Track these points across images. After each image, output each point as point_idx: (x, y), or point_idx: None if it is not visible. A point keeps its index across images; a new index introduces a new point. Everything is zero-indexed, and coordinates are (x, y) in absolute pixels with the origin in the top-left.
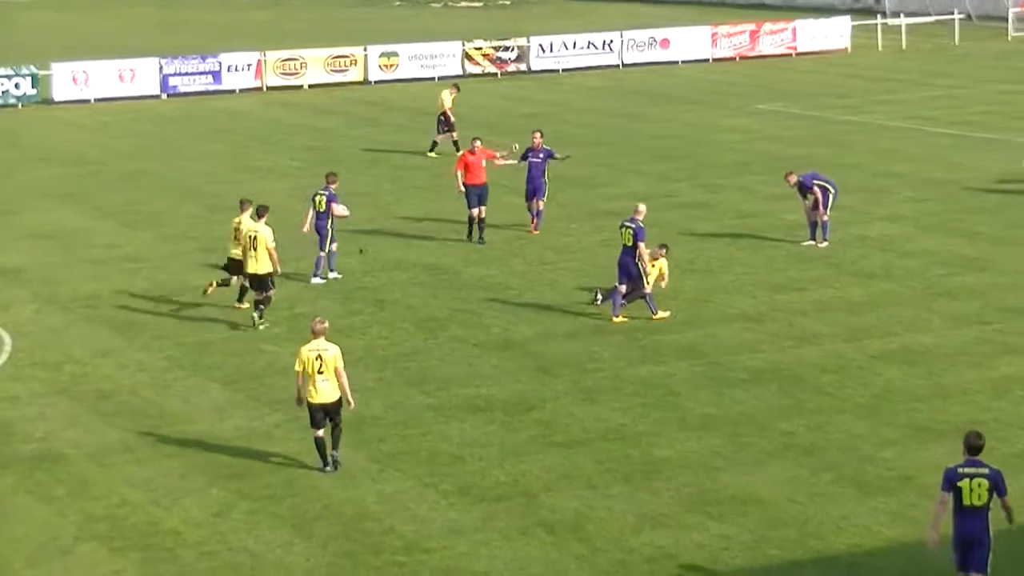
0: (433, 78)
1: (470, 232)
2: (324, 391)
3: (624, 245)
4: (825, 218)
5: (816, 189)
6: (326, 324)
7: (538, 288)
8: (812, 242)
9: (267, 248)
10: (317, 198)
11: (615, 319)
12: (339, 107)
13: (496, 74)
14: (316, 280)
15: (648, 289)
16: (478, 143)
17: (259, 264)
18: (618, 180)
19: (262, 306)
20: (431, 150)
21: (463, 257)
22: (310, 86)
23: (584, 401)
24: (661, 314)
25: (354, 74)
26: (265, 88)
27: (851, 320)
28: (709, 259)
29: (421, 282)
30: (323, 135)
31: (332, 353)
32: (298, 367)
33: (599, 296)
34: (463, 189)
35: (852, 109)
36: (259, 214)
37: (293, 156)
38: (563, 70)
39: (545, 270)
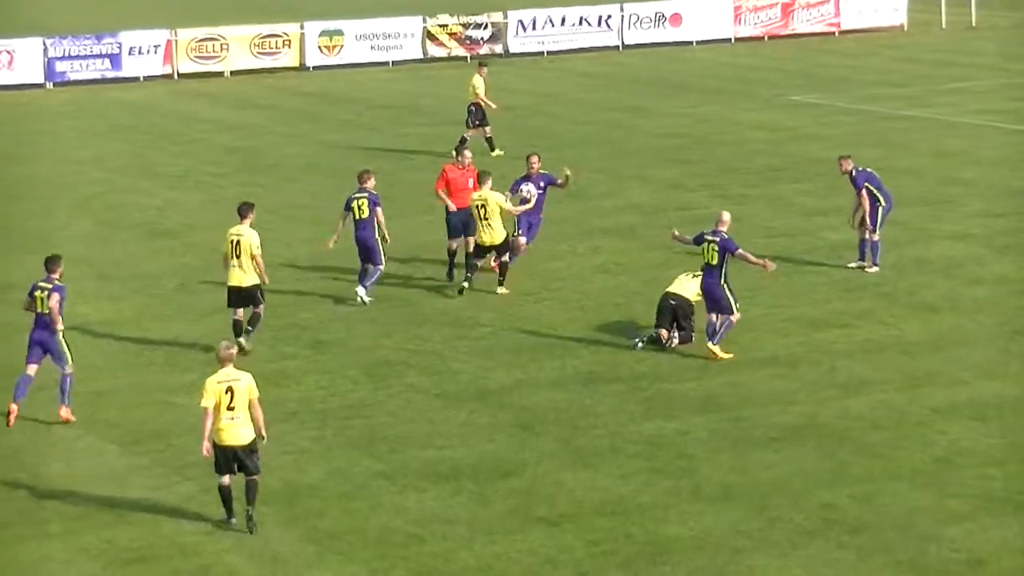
0: (387, 63)
1: (450, 271)
2: (234, 431)
3: (707, 264)
4: (875, 238)
5: (864, 194)
6: (234, 350)
7: (518, 324)
8: (861, 263)
9: (252, 255)
10: (356, 203)
11: (714, 350)
12: (269, 99)
13: (465, 58)
14: (364, 293)
15: (735, 317)
16: (468, 154)
17: (244, 275)
18: (618, 189)
19: (251, 328)
20: (492, 149)
21: (425, 285)
22: (232, 73)
23: (574, 465)
24: (721, 354)
25: (287, 58)
26: (176, 75)
27: (908, 364)
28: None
29: (371, 317)
30: (249, 134)
31: (245, 384)
32: (206, 402)
33: (643, 340)
34: (447, 212)
35: (909, 101)
36: (242, 214)
37: (211, 160)
38: (548, 53)
39: (527, 302)
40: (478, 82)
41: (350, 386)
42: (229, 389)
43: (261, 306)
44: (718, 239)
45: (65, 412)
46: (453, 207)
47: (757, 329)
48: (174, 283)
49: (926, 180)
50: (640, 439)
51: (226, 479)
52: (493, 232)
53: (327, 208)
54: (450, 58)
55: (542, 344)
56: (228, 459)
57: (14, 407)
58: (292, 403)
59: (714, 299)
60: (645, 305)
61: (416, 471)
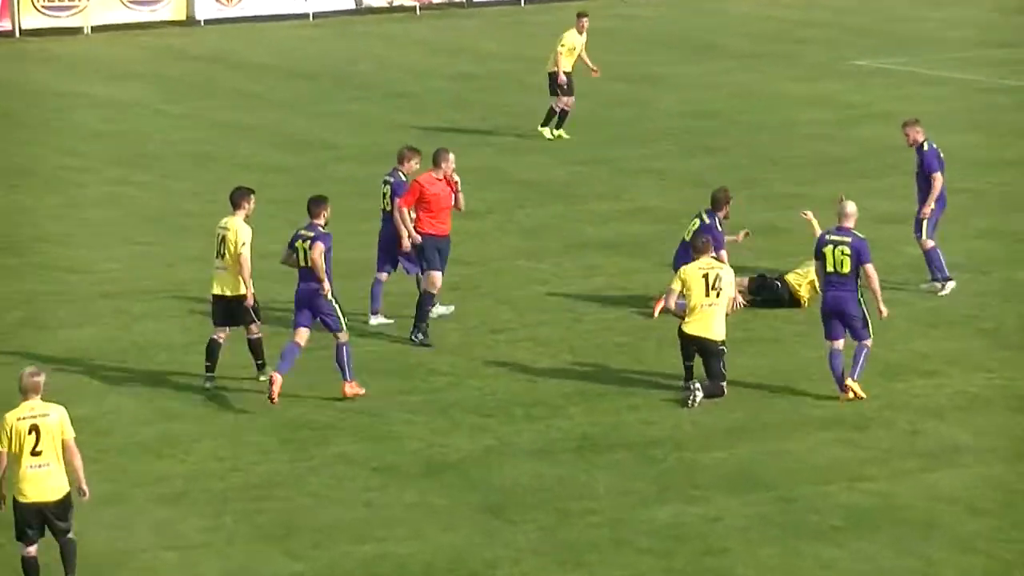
0: (306, 15)
1: (418, 324)
2: (40, 483)
3: (834, 274)
4: (929, 244)
5: (940, 179)
6: (40, 377)
7: (486, 373)
8: (935, 284)
9: (236, 253)
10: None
11: (854, 388)
12: (145, 64)
13: (413, 8)
14: (380, 320)
15: (870, 342)
16: (451, 158)
17: (230, 281)
18: (621, 187)
19: (260, 362)
20: (558, 126)
21: (362, 320)
22: (95, 29)
23: (563, 565)
24: (855, 389)
25: (170, 8)
26: (18, 32)
27: (1019, 426)
28: (778, 321)
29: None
30: (118, 112)
31: (54, 420)
32: (2, 446)
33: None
34: (410, 243)
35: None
36: (234, 203)
37: (67, 149)
38: (528, 1)
39: (497, 342)
40: (574, 39)
41: (258, 456)
42: (34, 428)
43: (255, 325)
44: (851, 240)
45: (351, 388)
46: (418, 230)
47: (812, 377)
48: (15, 317)
49: None
50: (652, 528)
51: (31, 549)
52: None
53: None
54: (391, 8)
55: (519, 399)
56: (34, 521)
57: (277, 377)
58: (178, 480)
59: (847, 317)
60: (658, 344)
61: (349, 573)
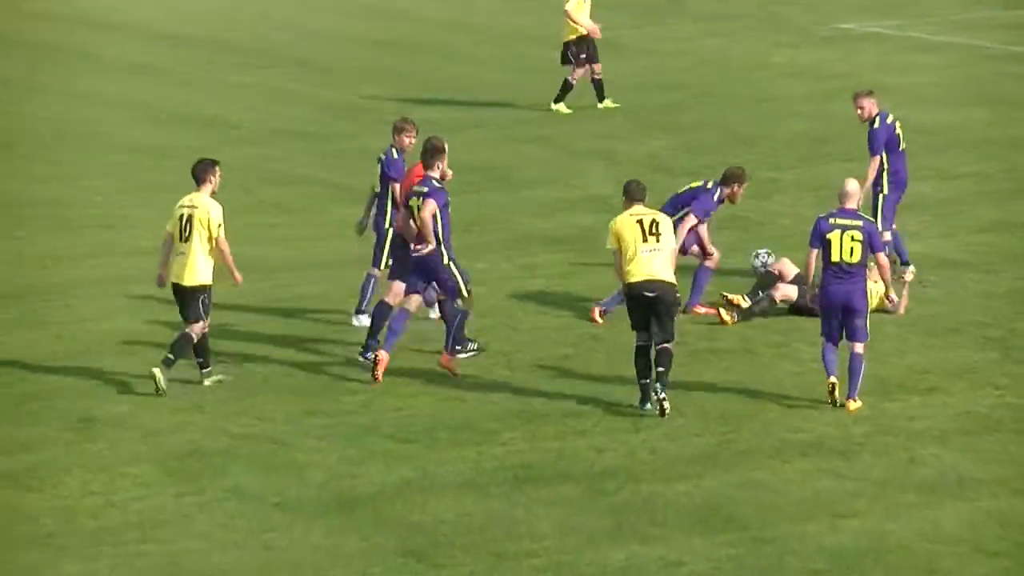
0: None
1: (371, 343)
2: None
3: (840, 265)
4: (886, 236)
5: (874, 161)
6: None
7: (406, 392)
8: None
9: (214, 237)
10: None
11: (852, 406)
12: None
13: None
14: (365, 321)
15: (864, 347)
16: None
17: (192, 267)
18: (568, 171)
19: (200, 360)
20: (599, 97)
21: (256, 332)
22: None
23: None
24: (854, 407)
25: None
26: None
27: None
28: (750, 329)
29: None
30: None
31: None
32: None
33: (664, 403)
34: (389, 246)
35: None
36: (198, 177)
37: None
38: None
39: (420, 356)
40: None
41: (139, 490)
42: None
43: (199, 324)
44: (862, 223)
45: (447, 360)
46: (398, 232)
47: (789, 396)
48: None
49: None
50: (604, 574)
51: None
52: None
53: (78, 207)
54: None
55: (444, 422)
56: None
57: (384, 355)
58: (45, 518)
59: (853, 314)
60: (609, 357)
61: None
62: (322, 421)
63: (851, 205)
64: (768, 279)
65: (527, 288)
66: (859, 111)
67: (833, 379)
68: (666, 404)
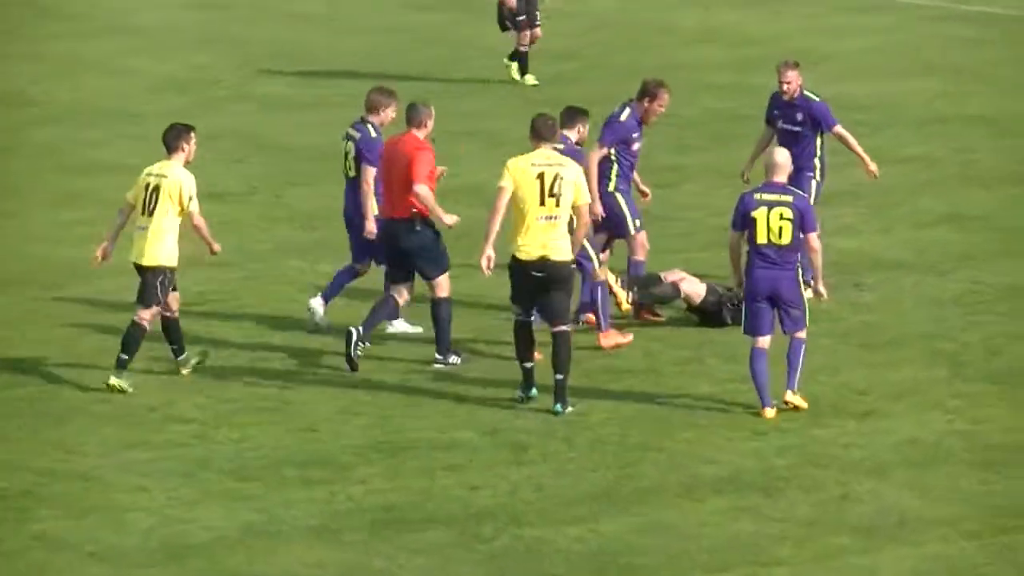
0: None
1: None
2: None
3: (767, 246)
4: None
5: (839, 133)
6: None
7: (244, 418)
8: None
9: (185, 212)
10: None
11: (795, 401)
12: None
13: None
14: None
15: (805, 334)
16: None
17: (151, 244)
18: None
19: (174, 344)
20: (521, 72)
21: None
22: None
23: None
24: (797, 401)
25: None
26: None
27: (995, 486)
28: (655, 344)
29: None
30: None
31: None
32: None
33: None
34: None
35: None
36: (171, 146)
37: None
38: None
39: (261, 376)
40: None
41: None
42: None
43: (151, 310)
44: (792, 199)
45: (606, 338)
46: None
47: (700, 422)
48: None
49: (1012, 139)
50: None
51: None
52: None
53: None
54: None
55: (292, 456)
56: None
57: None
58: None
59: (783, 303)
60: (487, 375)
61: None
62: (147, 455)
63: (779, 178)
64: (649, 279)
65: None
66: (784, 85)
67: (770, 411)
68: (560, 409)
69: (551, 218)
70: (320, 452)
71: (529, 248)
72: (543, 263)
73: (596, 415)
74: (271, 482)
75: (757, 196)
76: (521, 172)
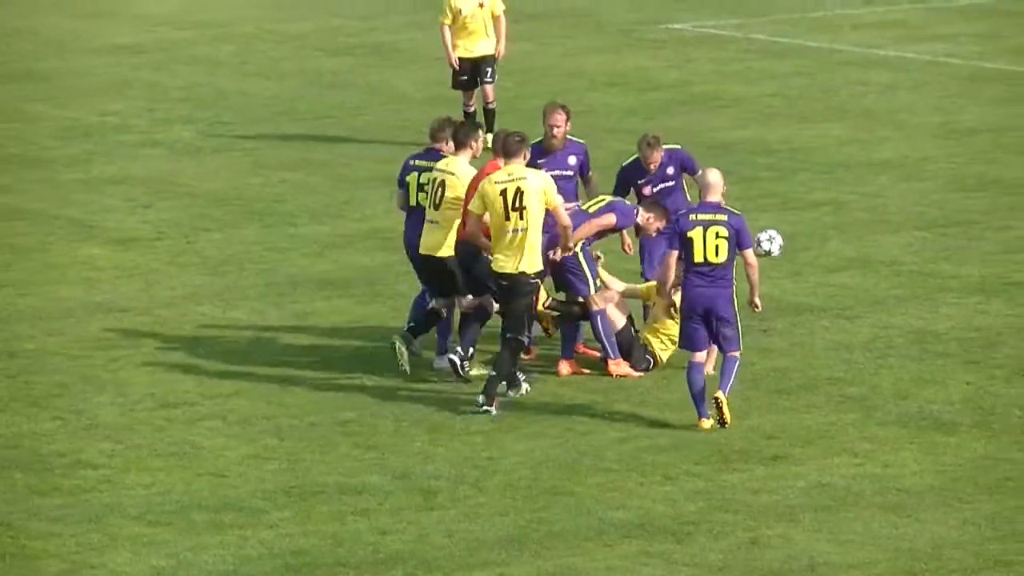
0: None
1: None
2: None
3: (704, 264)
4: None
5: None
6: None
7: (154, 462)
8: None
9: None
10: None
11: (724, 405)
12: None
13: None
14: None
15: (739, 354)
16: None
17: (441, 239)
18: (345, 201)
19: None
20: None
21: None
22: None
23: None
24: (725, 408)
25: None
26: None
27: (913, 537)
28: (562, 390)
29: None
30: None
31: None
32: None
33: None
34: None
35: (899, 32)
36: (460, 142)
37: None
38: None
39: (170, 420)
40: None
41: None
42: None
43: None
44: (727, 217)
45: (616, 366)
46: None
47: (610, 466)
48: None
49: (922, 182)
50: None
51: None
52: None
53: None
54: None
55: (202, 500)
56: None
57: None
58: None
59: (718, 320)
60: (397, 423)
61: None
62: (56, 500)
63: (714, 198)
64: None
65: (300, 340)
66: (651, 165)
67: (706, 422)
68: (484, 402)
69: (517, 231)
70: (230, 497)
71: (503, 260)
72: (505, 274)
73: (506, 459)
74: (181, 527)
75: (692, 216)
76: (488, 188)
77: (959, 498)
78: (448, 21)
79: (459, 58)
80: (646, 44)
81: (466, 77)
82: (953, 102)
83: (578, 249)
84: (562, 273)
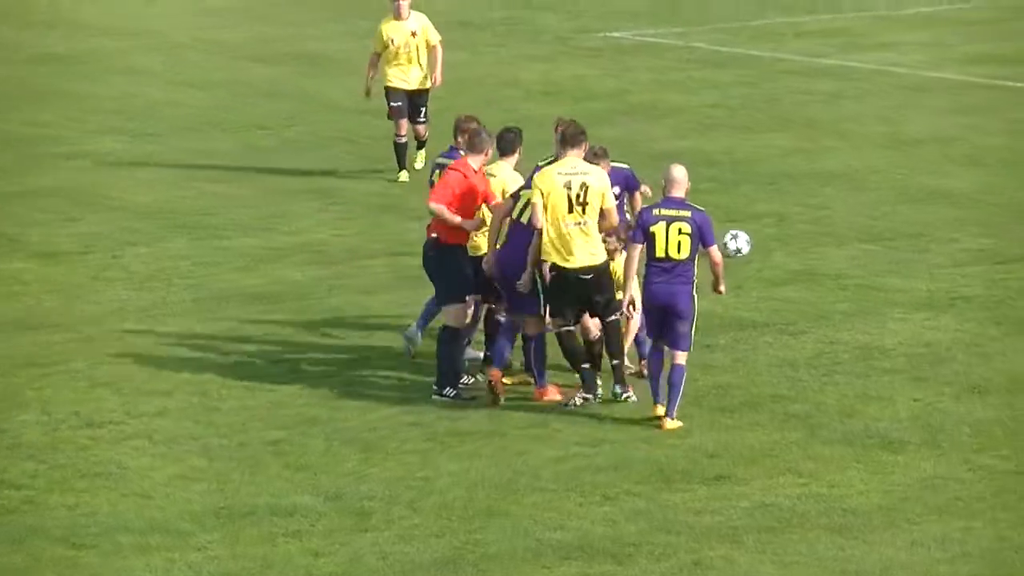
0: None
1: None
2: None
3: (667, 261)
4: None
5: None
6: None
7: (78, 483)
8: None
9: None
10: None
11: (668, 422)
12: None
13: None
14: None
15: (685, 358)
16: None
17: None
18: (276, 213)
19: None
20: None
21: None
22: None
23: None
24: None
25: None
26: None
27: (845, 553)
28: (497, 410)
29: None
30: None
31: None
32: None
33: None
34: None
35: (843, 40)
36: (504, 149)
37: None
38: None
39: (95, 440)
40: (390, 30)
41: None
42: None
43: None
44: (690, 214)
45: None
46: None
47: (547, 488)
48: None
49: (867, 193)
50: None
51: None
52: None
53: None
54: None
55: (128, 523)
56: None
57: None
58: None
59: (676, 315)
60: (329, 441)
61: None
62: None
63: (677, 194)
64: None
65: (229, 359)
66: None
67: (660, 408)
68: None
69: (578, 225)
70: (157, 519)
71: (571, 257)
72: (586, 269)
73: (441, 479)
74: (106, 550)
75: (656, 211)
76: (549, 181)
77: (907, 519)
78: (380, 49)
79: (393, 89)
80: (583, 52)
81: (399, 104)
82: (899, 112)
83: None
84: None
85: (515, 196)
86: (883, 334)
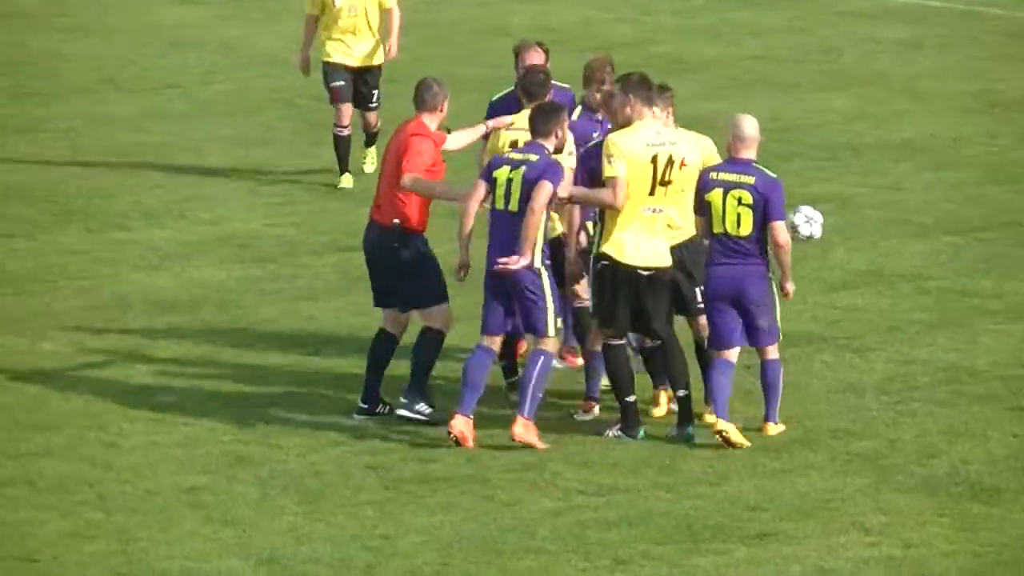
0: None
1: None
2: None
3: (727, 238)
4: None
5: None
6: None
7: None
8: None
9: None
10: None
11: (770, 427)
12: None
13: None
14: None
15: (777, 353)
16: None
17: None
18: (189, 199)
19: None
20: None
21: None
22: None
23: None
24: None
25: None
26: None
27: None
28: (479, 452)
29: None
30: None
31: None
32: None
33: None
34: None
35: None
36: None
37: None
38: None
39: None
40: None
41: None
42: None
43: None
44: (754, 179)
45: (523, 429)
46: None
47: (544, 549)
48: None
49: (952, 170)
50: None
51: None
52: None
53: None
54: None
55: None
56: None
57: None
58: None
59: (748, 303)
60: (262, 484)
61: None
62: None
63: (746, 154)
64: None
65: (131, 379)
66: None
67: (722, 426)
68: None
69: (655, 212)
70: None
71: (633, 253)
72: (646, 270)
73: (406, 538)
74: None
75: (713, 175)
76: (634, 151)
77: None
78: (316, 11)
79: (333, 65)
80: None
81: (342, 83)
82: (993, 65)
83: (540, 265)
84: (520, 295)
85: (487, 177)
86: (973, 351)
